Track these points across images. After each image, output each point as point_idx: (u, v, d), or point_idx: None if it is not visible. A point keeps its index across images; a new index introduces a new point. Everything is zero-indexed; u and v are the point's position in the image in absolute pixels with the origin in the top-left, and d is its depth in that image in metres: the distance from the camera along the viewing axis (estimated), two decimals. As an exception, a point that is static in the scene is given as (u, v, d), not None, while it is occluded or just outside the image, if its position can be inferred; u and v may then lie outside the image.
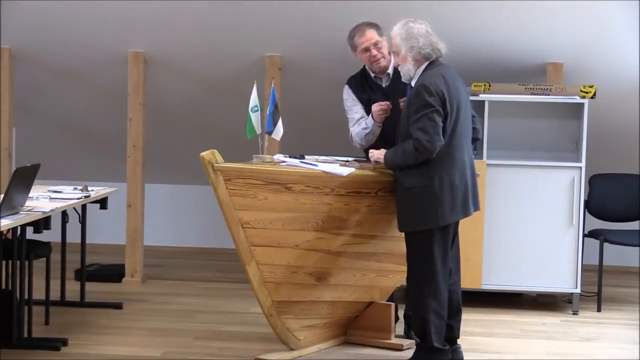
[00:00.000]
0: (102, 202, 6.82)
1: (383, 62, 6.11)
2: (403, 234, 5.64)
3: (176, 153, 8.60)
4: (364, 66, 6.25)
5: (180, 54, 7.66)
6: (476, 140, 5.89)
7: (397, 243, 5.78)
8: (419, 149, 5.38)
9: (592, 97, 7.07)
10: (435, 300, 5.53)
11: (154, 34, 7.50)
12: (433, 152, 5.38)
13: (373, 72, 6.20)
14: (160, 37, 7.52)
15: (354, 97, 6.25)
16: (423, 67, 5.56)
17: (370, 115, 6.10)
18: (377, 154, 5.73)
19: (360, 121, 6.17)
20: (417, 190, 5.47)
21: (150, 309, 6.98)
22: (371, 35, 6.09)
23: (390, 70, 6.14)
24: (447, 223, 5.50)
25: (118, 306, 6.95)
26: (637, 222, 7.69)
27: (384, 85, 6.15)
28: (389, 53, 6.01)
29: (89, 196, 6.54)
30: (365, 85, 6.24)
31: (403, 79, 5.67)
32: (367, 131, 6.11)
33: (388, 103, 6.03)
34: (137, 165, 7.75)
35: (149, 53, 7.65)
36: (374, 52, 6.09)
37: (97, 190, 6.71)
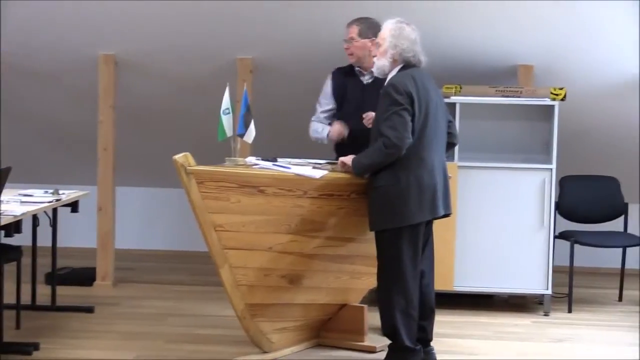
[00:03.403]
0: (74, 206, 6.78)
1: (351, 58, 6.41)
2: (374, 235, 5.65)
3: (147, 156, 8.57)
4: None
5: (152, 57, 7.64)
6: (453, 145, 5.93)
7: (370, 245, 5.78)
8: (388, 145, 5.41)
9: (562, 100, 7.10)
10: (403, 299, 5.54)
11: (124, 36, 7.48)
12: (402, 149, 5.41)
13: (361, 67, 6.44)
14: (132, 39, 7.50)
15: (329, 90, 6.55)
16: (397, 68, 5.59)
17: (329, 127, 6.45)
18: (345, 161, 5.74)
19: (321, 117, 6.56)
20: (384, 188, 5.51)
21: (121, 313, 6.95)
22: (350, 30, 6.40)
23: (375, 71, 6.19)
24: (414, 222, 5.52)
25: (89, 310, 6.91)
26: (607, 223, 7.74)
27: (364, 82, 6.28)
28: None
29: (59, 200, 6.50)
30: (348, 77, 6.50)
31: (375, 72, 5.75)
32: (318, 136, 6.54)
33: (345, 132, 6.31)
34: (108, 168, 7.73)
35: (119, 55, 7.62)
36: (345, 45, 6.41)
37: (68, 194, 6.67)
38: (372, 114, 5.90)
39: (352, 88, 6.49)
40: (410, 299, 5.57)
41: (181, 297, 7.48)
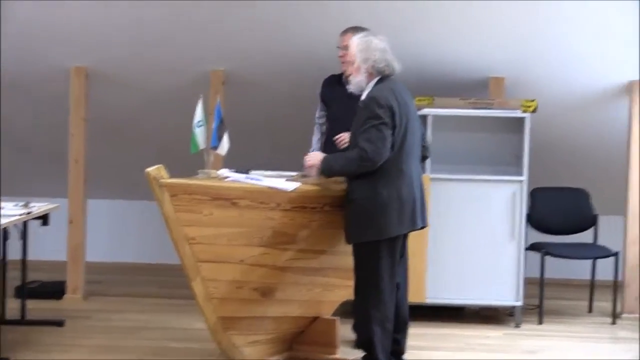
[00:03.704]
0: (44, 219, 6.73)
1: (345, 67, 6.36)
2: (349, 249, 5.65)
3: (119, 168, 8.54)
4: None
5: (124, 69, 7.61)
6: (425, 159, 5.95)
7: (343, 257, 5.79)
8: (364, 158, 5.41)
9: (533, 111, 7.13)
10: (380, 312, 5.55)
11: (96, 48, 7.45)
12: (377, 164, 5.42)
13: (346, 75, 6.47)
14: (103, 51, 7.47)
15: (319, 96, 6.88)
16: (374, 81, 5.60)
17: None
18: (313, 159, 5.72)
19: (318, 123, 6.93)
20: (364, 201, 5.50)
21: (93, 326, 6.91)
22: (345, 38, 6.43)
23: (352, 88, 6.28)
24: (393, 235, 5.53)
25: (60, 324, 6.87)
26: (577, 235, 7.77)
27: (349, 91, 6.31)
28: None
29: (30, 212, 6.45)
30: (335, 85, 6.69)
31: (352, 89, 5.73)
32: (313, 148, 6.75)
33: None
34: (79, 181, 7.69)
35: (91, 68, 7.59)
36: (341, 53, 6.52)
37: (38, 207, 6.62)
38: (345, 136, 5.94)
39: (336, 96, 6.62)
40: (387, 312, 5.58)
41: (153, 310, 7.45)
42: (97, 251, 8.63)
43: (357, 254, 5.61)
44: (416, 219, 5.62)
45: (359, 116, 5.54)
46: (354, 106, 5.97)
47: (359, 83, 5.65)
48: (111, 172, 8.59)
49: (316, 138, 6.95)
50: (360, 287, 5.62)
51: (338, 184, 5.81)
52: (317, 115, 6.95)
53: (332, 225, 5.77)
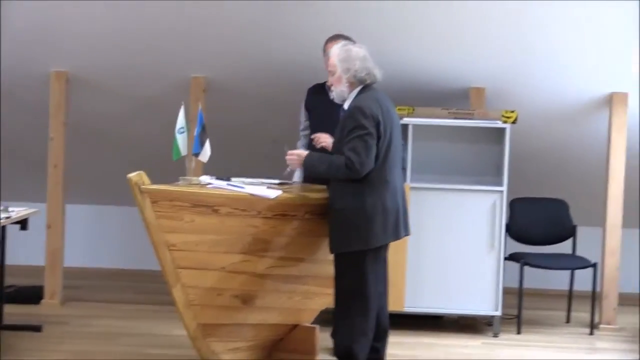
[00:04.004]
0: (23, 223, 6.70)
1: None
2: (329, 257, 5.65)
3: (99, 174, 8.51)
4: None
5: (105, 74, 7.60)
6: (402, 170, 5.96)
7: (323, 266, 5.79)
8: (349, 167, 5.42)
9: (513, 122, 7.16)
10: (364, 322, 5.55)
11: (77, 53, 7.43)
12: (361, 175, 5.43)
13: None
14: (84, 56, 7.45)
15: (303, 106, 6.82)
16: (357, 90, 5.60)
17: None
18: (297, 155, 5.72)
19: (301, 136, 6.83)
20: (349, 211, 5.50)
21: (71, 332, 6.88)
22: (328, 46, 6.34)
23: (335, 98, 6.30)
24: (378, 245, 5.54)
25: (38, 329, 6.83)
26: (556, 245, 7.81)
27: (331, 97, 6.34)
28: None
29: (9, 217, 6.42)
30: (318, 93, 6.65)
31: (335, 99, 5.73)
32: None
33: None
34: (58, 186, 7.67)
35: (72, 72, 7.57)
36: (326, 59, 6.25)
37: (17, 211, 6.59)
38: (321, 136, 5.96)
39: (320, 104, 6.61)
40: (371, 321, 5.59)
41: (131, 316, 7.42)
42: (76, 256, 8.61)
43: (340, 264, 5.60)
44: (399, 228, 5.64)
45: (344, 125, 5.53)
46: (336, 114, 6.00)
47: (341, 93, 5.65)
48: (91, 178, 8.57)
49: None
50: (342, 296, 5.61)
51: (318, 192, 5.81)
52: (301, 127, 6.90)
53: (313, 234, 5.77)
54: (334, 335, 5.72)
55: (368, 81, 5.62)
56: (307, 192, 5.89)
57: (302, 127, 6.89)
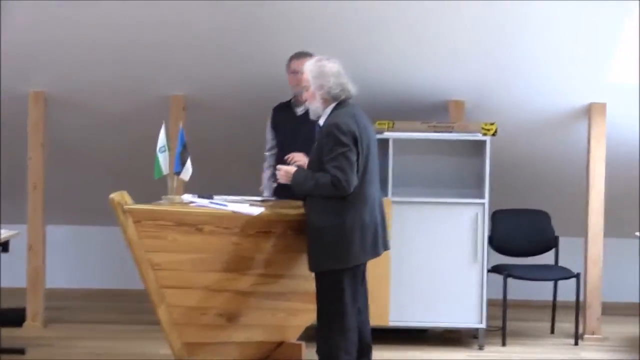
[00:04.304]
0: (4, 245, 6.66)
1: (297, 89, 6.44)
2: (312, 273, 5.63)
3: (80, 194, 8.47)
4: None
5: (83, 93, 7.57)
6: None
7: (307, 282, 5.77)
8: (337, 186, 5.40)
9: (493, 135, 7.17)
10: (344, 340, 5.54)
11: (55, 73, 7.40)
12: (347, 192, 5.41)
13: (294, 99, 6.61)
14: (62, 76, 7.42)
15: (269, 125, 6.80)
16: (332, 106, 5.58)
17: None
18: (285, 171, 5.68)
19: (267, 156, 6.83)
20: (328, 230, 5.47)
21: (55, 354, 6.82)
22: (300, 62, 6.34)
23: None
24: (357, 263, 5.54)
25: (21, 351, 6.78)
26: (539, 256, 7.82)
27: (297, 114, 6.40)
28: None
29: (-10, 240, 6.39)
30: (283, 111, 6.69)
31: (311, 116, 5.72)
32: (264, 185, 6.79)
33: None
34: (38, 206, 7.62)
35: (50, 92, 7.54)
36: (300, 76, 6.13)
37: (-1, 234, 6.56)
38: (295, 156, 5.96)
39: (285, 121, 6.66)
40: (351, 339, 5.57)
41: (116, 336, 7.37)
42: (58, 277, 8.56)
43: (320, 282, 5.58)
44: (378, 245, 5.63)
45: (322, 143, 5.50)
46: (303, 130, 6.04)
47: (317, 110, 5.62)
48: (71, 198, 8.52)
49: (267, 175, 6.88)
50: (323, 315, 5.59)
51: (298, 209, 5.79)
52: (267, 147, 6.88)
53: (295, 249, 5.77)
54: (319, 352, 5.71)
55: (343, 97, 5.58)
56: (287, 208, 5.88)
57: (268, 146, 6.87)
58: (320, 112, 5.61)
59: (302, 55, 6.53)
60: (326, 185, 5.42)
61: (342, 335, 5.53)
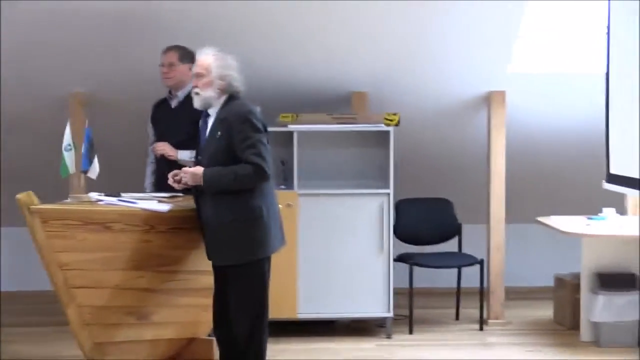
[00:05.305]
0: None
1: (170, 82, 6.57)
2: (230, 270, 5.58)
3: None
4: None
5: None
6: None
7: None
8: (260, 174, 5.36)
9: (396, 125, 7.22)
10: (266, 334, 5.56)
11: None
12: (269, 179, 5.41)
13: (169, 94, 6.68)
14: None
15: (150, 119, 6.82)
16: (224, 99, 5.51)
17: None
18: (192, 174, 5.45)
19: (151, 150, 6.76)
20: (247, 221, 5.41)
21: (-42, 359, 6.70)
22: (169, 55, 6.59)
23: (180, 95, 6.54)
24: (275, 251, 5.55)
25: None
26: (443, 244, 7.93)
27: (172, 106, 6.59)
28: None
29: None
30: (161, 105, 6.74)
31: (196, 104, 5.57)
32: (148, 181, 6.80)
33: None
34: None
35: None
36: (164, 69, 6.58)
37: None
38: (161, 145, 6.30)
39: (162, 115, 6.69)
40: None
41: (21, 340, 7.21)
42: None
43: (239, 276, 5.48)
44: (284, 235, 5.67)
45: (233, 131, 5.38)
46: (179, 122, 6.27)
47: (208, 99, 5.49)
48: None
49: (150, 170, 6.83)
50: (248, 310, 5.51)
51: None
52: (150, 142, 6.81)
53: (207, 245, 5.74)
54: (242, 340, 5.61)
55: (238, 92, 5.54)
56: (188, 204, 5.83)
57: (150, 141, 6.81)
58: (212, 101, 5.49)
59: (169, 48, 6.60)
60: (247, 175, 5.34)
61: (265, 329, 5.54)
